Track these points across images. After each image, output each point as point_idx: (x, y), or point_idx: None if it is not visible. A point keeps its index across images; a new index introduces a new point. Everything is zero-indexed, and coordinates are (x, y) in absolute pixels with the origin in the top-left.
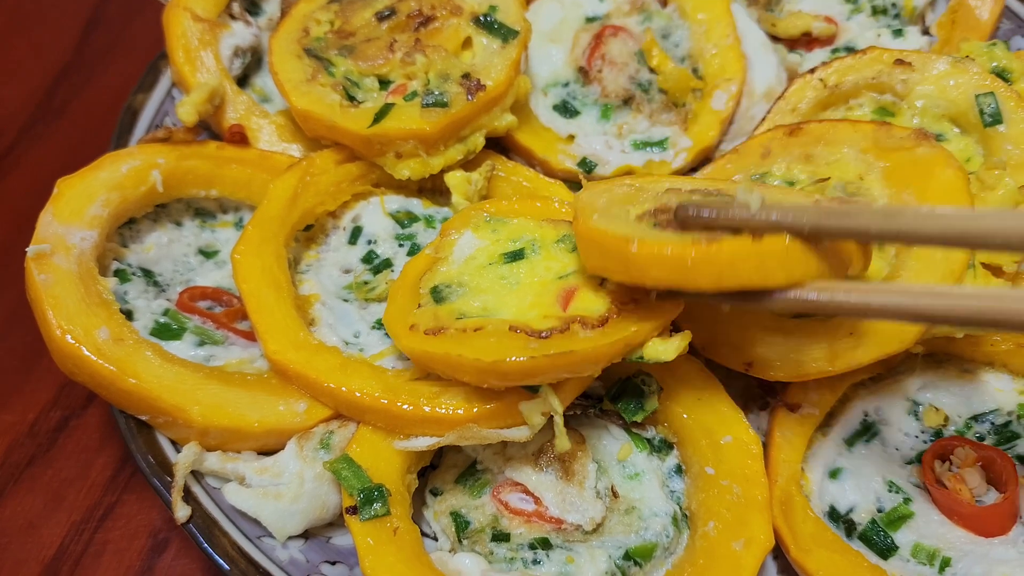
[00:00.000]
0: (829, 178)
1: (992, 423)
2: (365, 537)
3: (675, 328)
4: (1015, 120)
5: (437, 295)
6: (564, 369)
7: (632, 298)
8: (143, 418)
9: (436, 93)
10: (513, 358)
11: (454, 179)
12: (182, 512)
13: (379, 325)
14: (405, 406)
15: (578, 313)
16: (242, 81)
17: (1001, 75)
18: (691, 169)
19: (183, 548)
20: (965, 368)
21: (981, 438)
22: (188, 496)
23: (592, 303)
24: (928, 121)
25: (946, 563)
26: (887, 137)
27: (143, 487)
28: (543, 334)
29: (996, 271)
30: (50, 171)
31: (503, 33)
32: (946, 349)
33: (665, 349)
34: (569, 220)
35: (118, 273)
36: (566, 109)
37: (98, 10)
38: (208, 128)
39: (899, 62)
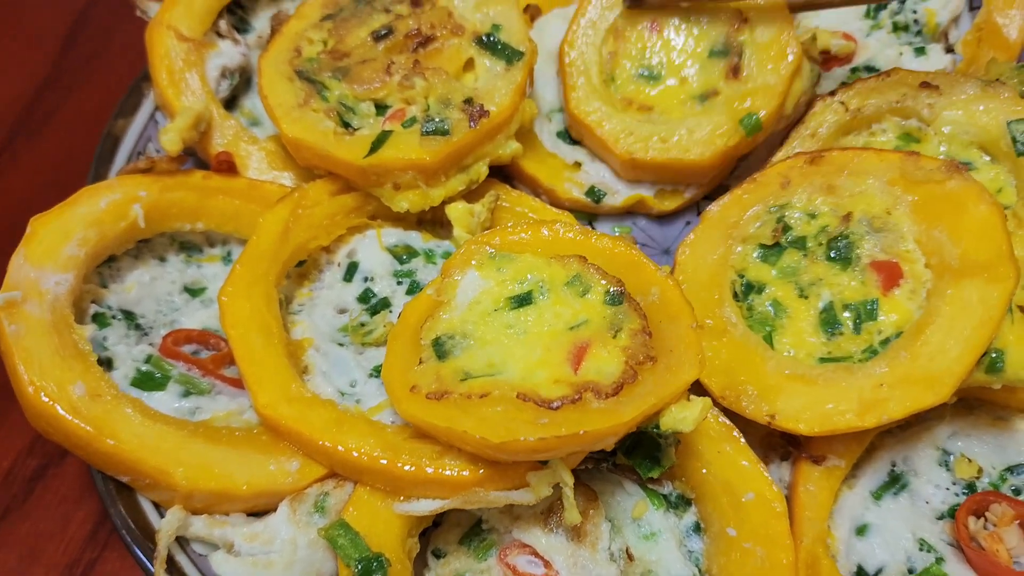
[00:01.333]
0: (851, 212)
1: None
2: None
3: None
4: None
5: (440, 348)
6: (575, 446)
7: (648, 355)
8: (123, 479)
9: (437, 120)
10: (523, 438)
11: (456, 211)
12: None
13: (377, 373)
14: (406, 467)
15: (590, 378)
16: (230, 103)
17: None
18: (705, 198)
19: None
20: (998, 415)
21: (1017, 491)
22: (172, 566)
23: (605, 362)
24: (956, 148)
25: None
26: (916, 168)
27: None
28: (553, 404)
29: None
30: (29, 190)
31: (507, 54)
32: (978, 395)
33: (684, 418)
34: (580, 255)
35: (96, 317)
36: (571, 136)
37: (79, 21)
38: (193, 154)
39: (925, 85)
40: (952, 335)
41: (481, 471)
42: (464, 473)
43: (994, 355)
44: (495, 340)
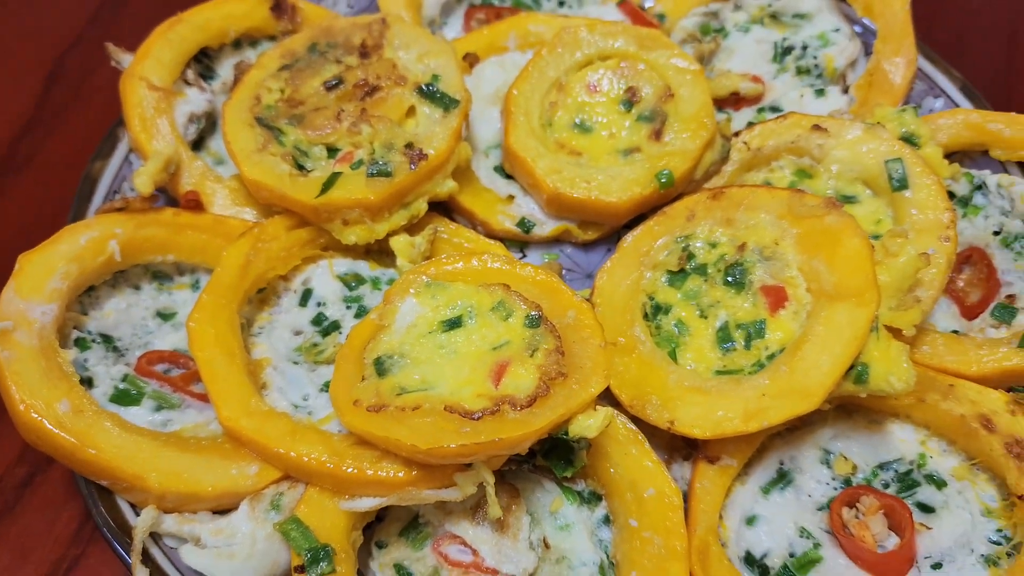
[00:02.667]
0: (746, 243)
1: (896, 471)
2: None
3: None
4: (920, 185)
5: (380, 367)
6: (493, 451)
7: (560, 372)
8: (103, 483)
9: (380, 163)
10: (447, 444)
11: (398, 243)
12: (141, 574)
13: (327, 388)
14: (349, 469)
15: (508, 392)
16: (197, 143)
17: (910, 140)
18: (625, 226)
19: None
20: (873, 419)
21: (887, 485)
22: (147, 558)
23: (523, 378)
24: (843, 184)
25: None
26: (800, 204)
27: None
28: (475, 415)
29: (896, 333)
30: (14, 227)
31: (445, 103)
32: (855, 401)
33: (588, 426)
34: (503, 284)
35: (78, 342)
36: (505, 171)
37: (58, 63)
38: (164, 192)
39: (816, 127)
40: (825, 351)
41: (414, 472)
42: (399, 475)
43: (860, 368)
44: (428, 359)
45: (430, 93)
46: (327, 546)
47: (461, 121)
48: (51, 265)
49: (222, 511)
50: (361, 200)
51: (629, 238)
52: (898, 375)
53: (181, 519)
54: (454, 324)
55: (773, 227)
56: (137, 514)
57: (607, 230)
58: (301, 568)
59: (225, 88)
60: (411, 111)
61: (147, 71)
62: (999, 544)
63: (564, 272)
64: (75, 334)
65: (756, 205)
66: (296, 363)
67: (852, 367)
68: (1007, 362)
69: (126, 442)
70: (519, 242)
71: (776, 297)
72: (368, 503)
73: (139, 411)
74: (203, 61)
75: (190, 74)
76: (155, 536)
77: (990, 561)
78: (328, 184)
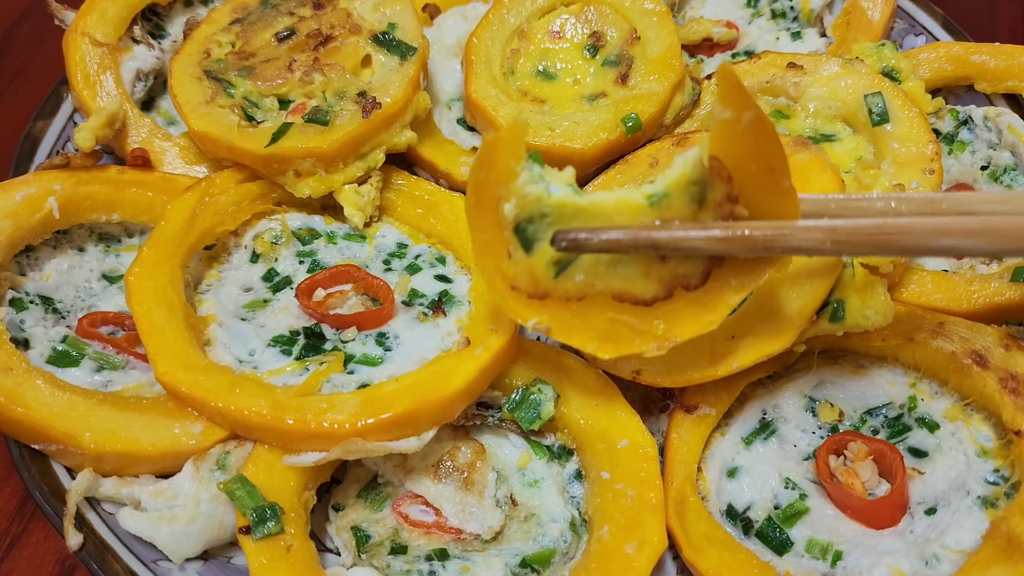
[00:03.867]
0: None
1: (885, 416)
2: (258, 556)
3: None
4: (901, 118)
5: (523, 235)
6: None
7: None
8: (37, 447)
9: (322, 111)
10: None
11: (344, 192)
12: (74, 540)
13: (275, 343)
14: (290, 421)
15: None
16: (148, 104)
17: (890, 75)
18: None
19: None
20: (860, 364)
21: (875, 432)
22: (82, 523)
23: None
24: (821, 122)
25: (838, 556)
26: None
27: None
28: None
29: (873, 271)
30: None
31: (401, 50)
32: (841, 346)
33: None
34: None
35: (13, 302)
36: (468, 123)
37: (8, 34)
38: (112, 152)
39: (791, 65)
40: (795, 289)
41: (360, 423)
42: (345, 426)
43: (835, 305)
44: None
45: (386, 41)
46: (274, 505)
47: (418, 69)
48: None
49: (168, 476)
50: (313, 149)
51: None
52: (875, 308)
53: (120, 482)
54: None
55: None
56: (73, 480)
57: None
58: (247, 529)
59: (176, 47)
60: (368, 61)
61: (90, 27)
62: (996, 484)
63: None
64: (11, 295)
65: None
66: (244, 319)
67: (827, 304)
68: (999, 297)
69: (58, 400)
70: None
71: None
72: (312, 457)
73: (78, 372)
74: (152, 19)
75: (137, 30)
76: (93, 501)
77: (987, 503)
78: (279, 134)
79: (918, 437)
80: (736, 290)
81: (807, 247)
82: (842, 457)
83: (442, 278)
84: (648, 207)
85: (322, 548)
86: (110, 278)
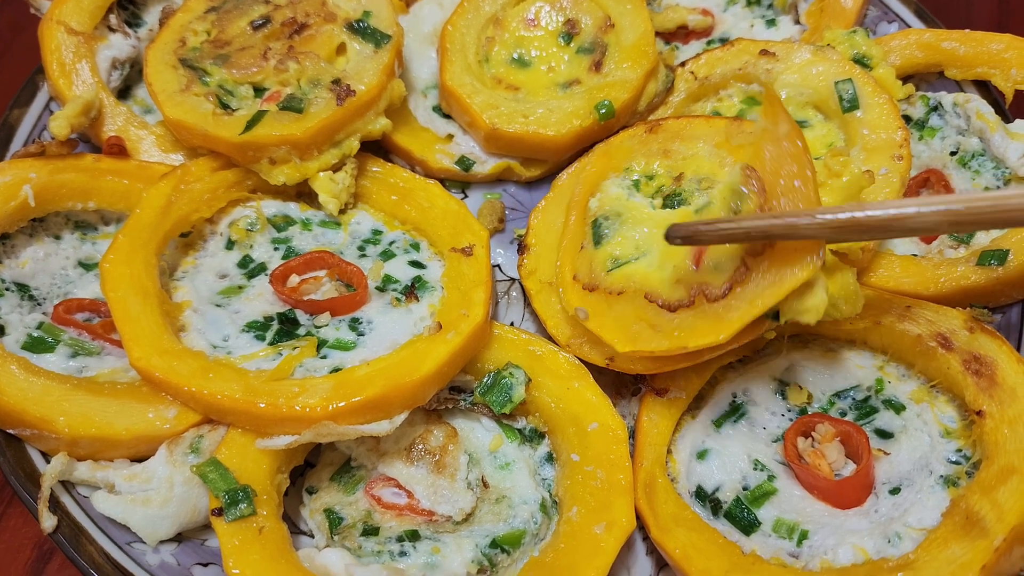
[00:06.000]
0: (683, 173)
1: (853, 399)
2: (230, 538)
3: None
4: (871, 105)
5: (597, 231)
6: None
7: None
8: (12, 432)
9: (297, 99)
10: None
11: (319, 180)
12: (48, 523)
13: (249, 328)
14: (262, 405)
15: (705, 279)
16: (124, 93)
17: (861, 62)
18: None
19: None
20: (829, 347)
21: (843, 414)
22: (57, 506)
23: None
24: (793, 109)
25: (804, 536)
26: (737, 132)
27: None
28: (672, 307)
29: (843, 257)
30: None
31: (376, 38)
32: (811, 330)
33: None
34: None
35: None
36: (443, 110)
37: None
38: (88, 141)
39: (764, 52)
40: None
41: (331, 407)
42: (317, 409)
43: None
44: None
45: (360, 29)
46: (246, 487)
47: (393, 57)
48: None
49: (142, 460)
50: (287, 137)
51: (564, 176)
52: (845, 298)
53: (94, 466)
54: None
55: (711, 156)
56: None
57: (551, 167)
58: (219, 511)
59: (152, 36)
60: (342, 49)
61: (66, 15)
62: (958, 464)
63: (508, 211)
64: None
65: (693, 135)
66: (219, 306)
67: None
68: (964, 280)
69: (32, 385)
70: (460, 182)
71: None
72: (284, 440)
73: (53, 358)
74: (129, 8)
75: (113, 19)
76: (68, 485)
77: (949, 481)
78: (253, 122)
79: (885, 419)
80: (752, 307)
81: (921, 227)
82: (810, 439)
83: (416, 264)
84: (693, 214)
85: (296, 530)
86: (86, 265)
